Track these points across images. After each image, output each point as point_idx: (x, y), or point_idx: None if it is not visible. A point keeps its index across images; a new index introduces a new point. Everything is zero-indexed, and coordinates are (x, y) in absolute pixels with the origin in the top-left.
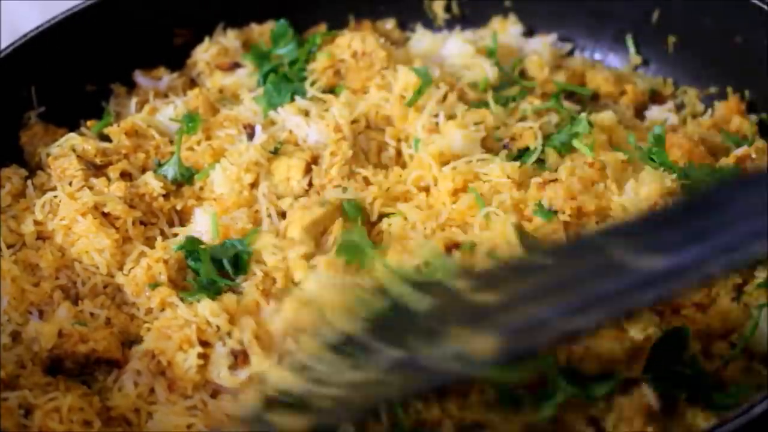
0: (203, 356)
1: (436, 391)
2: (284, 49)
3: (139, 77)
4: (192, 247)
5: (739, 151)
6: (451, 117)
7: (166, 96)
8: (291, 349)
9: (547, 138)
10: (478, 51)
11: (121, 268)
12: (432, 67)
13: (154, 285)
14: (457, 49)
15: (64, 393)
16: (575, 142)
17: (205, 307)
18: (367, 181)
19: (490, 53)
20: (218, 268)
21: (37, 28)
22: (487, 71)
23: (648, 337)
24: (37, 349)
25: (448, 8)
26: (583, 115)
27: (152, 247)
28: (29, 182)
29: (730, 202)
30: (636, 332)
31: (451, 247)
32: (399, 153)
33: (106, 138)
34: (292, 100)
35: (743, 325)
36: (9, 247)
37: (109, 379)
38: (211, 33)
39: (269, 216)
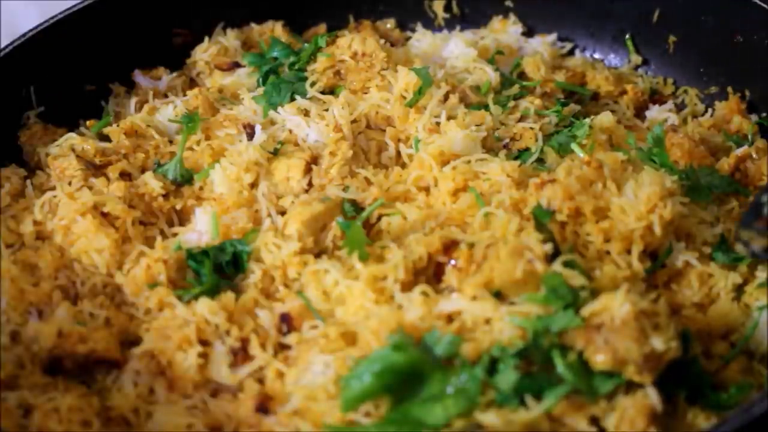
0: (203, 355)
1: None
2: (279, 53)
3: (139, 77)
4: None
5: (740, 151)
6: (451, 117)
7: (165, 96)
8: None
9: (546, 138)
10: (480, 54)
11: (120, 268)
12: (434, 68)
13: (153, 285)
14: (458, 51)
15: (63, 393)
16: (573, 145)
17: (204, 306)
18: (368, 181)
19: (490, 60)
20: (218, 268)
21: (37, 27)
22: (490, 75)
23: (669, 349)
24: (37, 349)
25: (447, 8)
26: (587, 121)
27: (152, 247)
28: (28, 182)
29: None
30: (658, 342)
31: (449, 245)
32: (399, 153)
33: (105, 138)
34: (292, 99)
35: (743, 325)
36: (8, 247)
37: (108, 379)
38: (210, 33)
39: (269, 215)
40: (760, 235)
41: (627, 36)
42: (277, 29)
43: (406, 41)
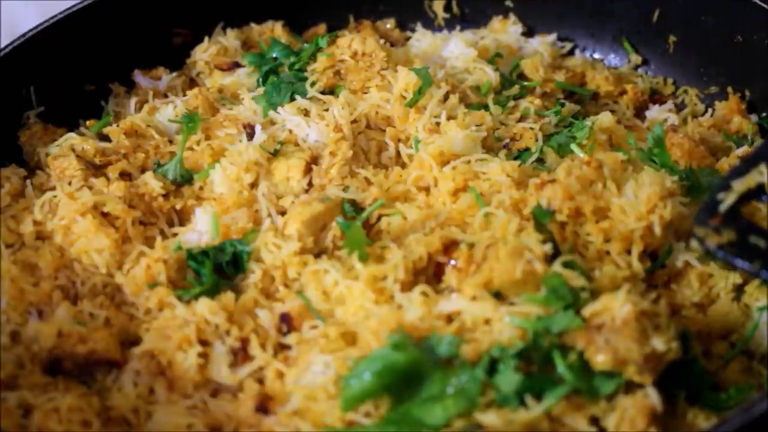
0: (203, 355)
1: None
2: (279, 53)
3: (139, 77)
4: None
5: (740, 151)
6: (451, 118)
7: (165, 96)
8: None
9: (546, 138)
10: (480, 54)
11: (120, 268)
12: (434, 68)
13: (153, 285)
14: (458, 51)
15: (63, 393)
16: (572, 146)
17: (204, 306)
18: (368, 181)
19: (490, 61)
20: (218, 268)
21: (37, 27)
22: (490, 75)
23: (670, 349)
24: (37, 349)
25: (447, 8)
26: (588, 122)
27: (152, 247)
28: (28, 182)
29: None
30: (659, 342)
31: (449, 245)
32: (399, 153)
33: (105, 138)
34: (292, 99)
35: (743, 325)
36: (8, 247)
37: (108, 379)
38: (210, 33)
39: (269, 215)
40: (715, 233)
41: (627, 36)
42: (277, 29)
43: (406, 41)
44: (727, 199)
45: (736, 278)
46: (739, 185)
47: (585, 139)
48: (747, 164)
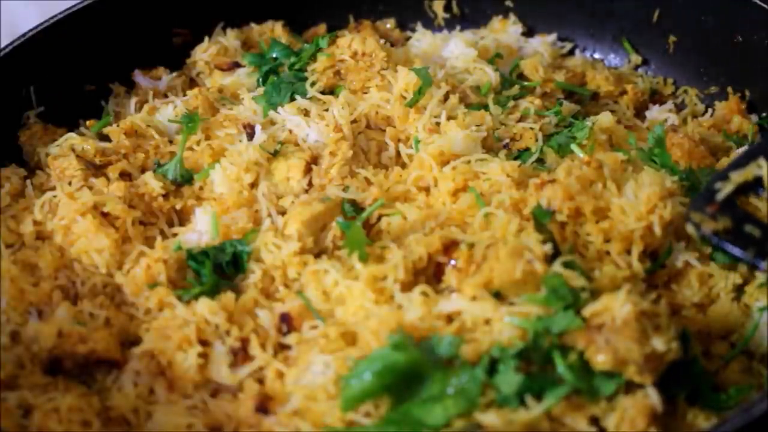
0: (203, 355)
1: None
2: (279, 53)
3: (139, 77)
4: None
5: (740, 151)
6: (451, 118)
7: (165, 96)
8: None
9: (546, 138)
10: (480, 54)
11: (120, 268)
12: (434, 68)
13: (153, 285)
14: (458, 51)
15: (63, 393)
16: (573, 146)
17: (204, 306)
18: (368, 181)
19: (490, 61)
20: (218, 268)
21: (37, 27)
22: (490, 75)
23: (670, 350)
24: (37, 349)
25: (447, 8)
26: (588, 122)
27: (152, 247)
28: (28, 182)
29: None
30: (659, 342)
31: (449, 245)
32: (399, 153)
33: (105, 138)
34: (292, 99)
35: (743, 325)
36: (8, 247)
37: (108, 380)
38: (210, 33)
39: (269, 215)
40: (711, 219)
41: (627, 36)
42: (277, 29)
43: (406, 41)
44: (725, 189)
45: (736, 278)
46: (737, 176)
47: (585, 139)
48: (746, 157)
